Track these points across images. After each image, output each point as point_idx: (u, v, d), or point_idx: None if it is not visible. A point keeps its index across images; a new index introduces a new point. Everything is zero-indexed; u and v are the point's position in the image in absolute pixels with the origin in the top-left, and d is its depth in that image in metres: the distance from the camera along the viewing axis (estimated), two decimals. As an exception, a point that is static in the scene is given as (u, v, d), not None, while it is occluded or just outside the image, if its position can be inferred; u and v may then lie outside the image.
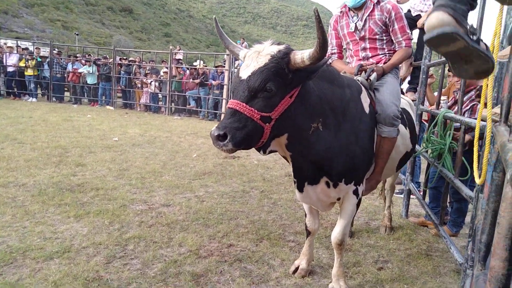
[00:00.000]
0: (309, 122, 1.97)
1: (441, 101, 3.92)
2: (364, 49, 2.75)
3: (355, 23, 2.69)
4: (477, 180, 1.70)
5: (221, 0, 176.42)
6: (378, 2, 2.64)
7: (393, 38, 2.72)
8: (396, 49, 2.74)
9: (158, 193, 4.28)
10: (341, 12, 2.80)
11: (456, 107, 3.21)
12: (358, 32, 2.71)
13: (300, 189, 2.26)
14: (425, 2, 4.66)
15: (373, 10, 2.64)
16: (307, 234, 2.74)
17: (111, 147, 6.52)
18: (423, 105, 4.07)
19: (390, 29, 2.68)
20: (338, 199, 2.36)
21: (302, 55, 1.77)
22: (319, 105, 1.99)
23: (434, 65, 3.83)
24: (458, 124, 3.01)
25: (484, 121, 2.45)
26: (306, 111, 1.93)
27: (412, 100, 3.99)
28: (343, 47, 2.94)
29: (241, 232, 3.35)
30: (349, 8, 2.74)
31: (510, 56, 1.49)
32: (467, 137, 3.28)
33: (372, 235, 3.51)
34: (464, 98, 3.51)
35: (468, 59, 1.24)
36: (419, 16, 4.64)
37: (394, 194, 3.99)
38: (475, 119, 3.01)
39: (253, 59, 1.82)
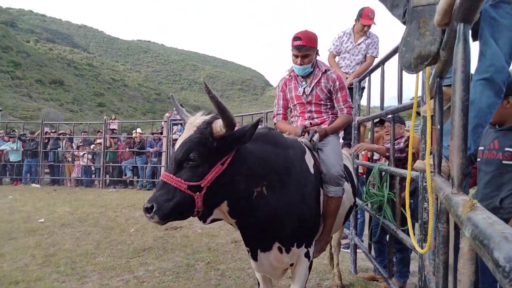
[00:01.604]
0: (251, 186, 1.94)
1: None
2: (310, 111, 2.86)
3: (304, 88, 2.80)
4: (418, 249, 1.70)
5: (157, 68, 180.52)
6: (325, 71, 2.78)
7: (335, 105, 2.86)
8: (338, 115, 2.87)
9: (91, 279, 3.81)
10: (289, 75, 2.91)
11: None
12: (305, 96, 2.82)
13: (255, 257, 2.16)
14: (352, 68, 5.10)
15: (320, 78, 2.77)
16: (261, 304, 2.54)
17: (36, 230, 5.84)
18: (358, 159, 4.23)
19: (334, 97, 2.82)
20: (291, 264, 2.28)
21: (219, 124, 1.81)
22: (261, 168, 1.98)
23: (364, 121, 4.07)
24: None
25: (417, 171, 2.56)
26: (245, 176, 1.90)
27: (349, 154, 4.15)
28: (289, 108, 3.03)
29: (188, 313, 3.03)
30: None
31: (434, 110, 1.59)
32: (403, 193, 3.43)
33: (326, 298, 3.36)
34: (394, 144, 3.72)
35: (426, 29, 1.30)
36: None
37: (341, 249, 3.95)
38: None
39: (186, 130, 1.89)
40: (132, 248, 4.87)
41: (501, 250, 0.47)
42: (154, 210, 1.70)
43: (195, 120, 1.90)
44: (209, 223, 1.96)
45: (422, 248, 2.19)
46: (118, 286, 3.60)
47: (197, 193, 1.76)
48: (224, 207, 1.93)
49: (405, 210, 3.08)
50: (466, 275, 0.83)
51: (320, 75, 2.78)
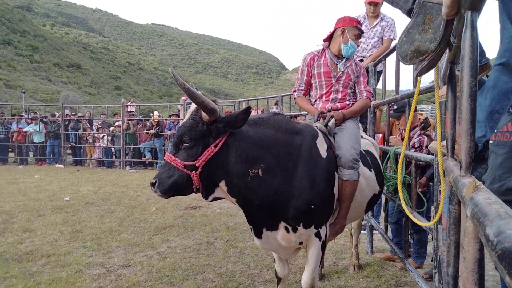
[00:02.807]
0: (245, 168, 2.05)
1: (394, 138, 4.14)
2: (337, 91, 2.86)
3: (338, 64, 2.86)
4: (421, 223, 1.78)
5: (171, 52, 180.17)
6: (354, 60, 2.97)
7: (356, 88, 2.93)
8: (357, 99, 2.92)
9: (117, 254, 4.03)
10: (319, 51, 2.94)
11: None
12: (335, 73, 2.84)
13: (258, 235, 2.27)
14: (368, 51, 5.07)
15: (351, 62, 2.91)
16: (277, 281, 2.67)
17: (62, 208, 6.13)
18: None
19: (357, 80, 2.92)
20: (301, 243, 2.35)
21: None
22: (257, 152, 2.09)
23: (379, 104, 4.09)
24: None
25: (432, 154, 2.62)
26: (238, 158, 2.04)
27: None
28: (311, 86, 3.01)
29: (209, 287, 3.20)
30: (331, 53, 2.88)
31: (447, 96, 1.63)
32: (423, 179, 3.49)
33: (341, 276, 3.49)
34: (411, 134, 3.75)
35: (429, 26, 1.36)
36: (361, 61, 5.01)
37: (358, 231, 4.05)
38: (424, 153, 3.20)
39: (186, 115, 2.13)
40: (154, 226, 5.09)
41: (492, 227, 0.52)
42: (156, 185, 1.99)
43: (193, 106, 2.08)
44: (211, 201, 2.14)
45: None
46: (142, 261, 3.79)
47: (193, 172, 1.97)
48: (223, 186, 2.08)
49: (420, 192, 3.18)
50: (470, 252, 0.90)
51: (352, 61, 2.92)
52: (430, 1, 1.37)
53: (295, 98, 3.05)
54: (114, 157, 13.12)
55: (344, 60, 2.86)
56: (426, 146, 3.54)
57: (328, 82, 2.86)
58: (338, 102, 2.87)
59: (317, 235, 2.33)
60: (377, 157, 3.19)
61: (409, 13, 1.58)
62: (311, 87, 2.97)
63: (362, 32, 2.90)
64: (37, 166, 12.91)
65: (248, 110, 2.01)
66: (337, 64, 2.85)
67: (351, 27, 2.80)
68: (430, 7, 1.37)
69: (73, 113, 14.70)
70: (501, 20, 1.63)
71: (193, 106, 2.08)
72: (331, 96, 2.86)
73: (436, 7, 1.35)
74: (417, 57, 1.43)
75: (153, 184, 2.01)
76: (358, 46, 2.87)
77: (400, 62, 3.38)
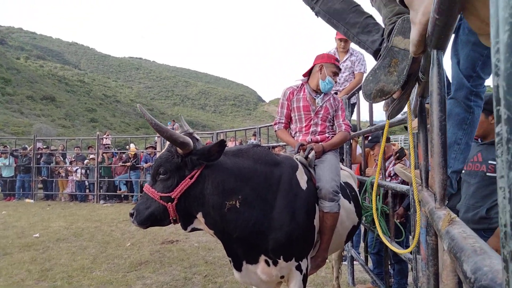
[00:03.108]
0: (221, 199, 2.05)
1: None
2: (316, 124, 2.91)
3: (316, 99, 2.93)
4: (397, 250, 1.79)
5: (149, 84, 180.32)
6: (332, 94, 3.05)
7: (335, 122, 3.00)
8: (336, 132, 2.98)
9: (89, 294, 3.83)
10: (298, 86, 3.02)
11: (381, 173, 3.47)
12: (314, 107, 2.91)
13: (238, 268, 2.24)
14: (340, 85, 5.24)
15: (330, 97, 3.00)
16: (258, 319, 2.58)
17: (31, 245, 5.83)
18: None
19: (335, 114, 3.00)
20: (282, 277, 2.31)
21: None
22: (234, 184, 2.09)
23: (355, 136, 4.19)
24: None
25: (407, 183, 2.67)
26: (215, 190, 2.04)
27: None
28: (291, 119, 3.09)
29: (186, 327, 3.06)
30: (310, 87, 2.97)
31: (418, 128, 1.70)
32: (400, 209, 3.54)
33: (322, 310, 3.42)
34: (387, 163, 3.84)
35: (394, 69, 1.43)
36: (336, 93, 5.17)
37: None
38: (399, 183, 3.27)
39: (165, 147, 2.17)
40: (129, 262, 4.89)
41: (469, 263, 0.52)
42: (134, 215, 2.04)
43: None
44: (190, 231, 2.15)
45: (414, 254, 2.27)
46: (116, 302, 3.62)
47: (169, 203, 2.00)
48: (201, 218, 2.08)
49: (399, 222, 3.21)
50: (449, 286, 0.91)
51: (330, 95, 3.00)
52: (397, 46, 1.45)
53: (275, 130, 3.10)
54: (87, 190, 12.72)
55: (322, 95, 2.95)
56: None
57: (307, 116, 2.92)
58: (318, 135, 2.92)
59: (298, 268, 2.30)
60: (356, 188, 3.23)
61: (375, 53, 1.67)
62: (291, 120, 3.03)
63: (340, 70, 3.02)
64: (5, 201, 12.33)
65: (222, 143, 2.02)
66: (315, 99, 2.93)
67: (329, 64, 2.90)
68: (397, 51, 1.46)
69: (45, 146, 14.29)
70: (450, 57, 1.75)
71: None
72: (311, 129, 2.92)
73: (402, 52, 1.45)
74: (381, 97, 1.52)
75: (131, 215, 2.06)
76: (335, 82, 2.97)
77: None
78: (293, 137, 2.98)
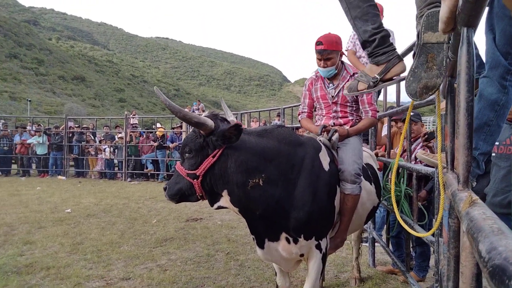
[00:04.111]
0: (245, 177, 2.09)
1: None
2: (336, 111, 2.92)
3: (329, 89, 2.91)
4: (415, 233, 1.76)
5: (175, 64, 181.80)
6: (353, 74, 2.84)
7: (360, 107, 2.93)
8: (363, 117, 2.92)
9: (117, 266, 4.00)
10: (316, 76, 3.00)
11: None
12: (331, 97, 2.90)
13: (261, 245, 2.29)
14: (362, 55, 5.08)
15: (348, 81, 2.82)
16: (278, 294, 2.64)
17: (63, 220, 6.12)
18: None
19: (359, 99, 2.89)
20: (302, 255, 2.35)
21: None
22: (257, 162, 2.13)
23: (381, 117, 4.09)
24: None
25: (432, 166, 2.61)
26: (238, 168, 2.09)
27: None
28: (315, 107, 3.11)
29: (209, 301, 3.17)
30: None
31: (446, 109, 1.64)
32: (423, 192, 3.46)
33: (343, 290, 3.44)
34: (413, 146, 3.74)
35: (433, 64, 1.43)
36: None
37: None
38: (425, 165, 3.19)
39: None
40: (155, 238, 5.06)
41: (485, 243, 0.51)
42: (166, 190, 2.20)
43: None
44: (217, 208, 2.21)
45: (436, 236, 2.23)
46: (142, 274, 3.77)
47: (195, 180, 2.10)
48: (226, 196, 2.14)
49: (422, 205, 3.16)
50: (468, 267, 0.89)
51: (348, 77, 2.86)
52: (429, 42, 1.44)
53: (299, 120, 3.14)
54: (116, 169, 13.13)
55: (335, 83, 2.89)
56: None
57: (326, 104, 2.95)
58: (341, 119, 2.92)
59: (318, 247, 2.33)
60: (376, 169, 3.21)
61: (363, 44, 1.81)
62: (315, 109, 3.09)
63: (324, 51, 2.73)
64: (40, 178, 12.94)
65: (237, 126, 2.05)
66: (327, 88, 2.92)
67: (315, 51, 2.79)
68: (430, 47, 1.45)
69: (77, 125, 14.79)
70: (485, 32, 1.66)
71: None
72: (331, 115, 2.94)
73: (436, 46, 1.43)
74: (427, 93, 1.52)
75: (164, 189, 2.23)
76: (326, 67, 2.78)
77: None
78: (316, 122, 3.03)
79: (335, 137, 2.63)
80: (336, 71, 2.84)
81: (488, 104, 1.62)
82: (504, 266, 0.40)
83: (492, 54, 1.60)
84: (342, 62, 2.89)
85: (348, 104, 2.90)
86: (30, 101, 34.23)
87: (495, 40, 1.59)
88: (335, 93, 2.88)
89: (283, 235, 2.25)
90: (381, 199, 3.70)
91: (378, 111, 3.00)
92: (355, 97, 2.85)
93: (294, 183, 2.21)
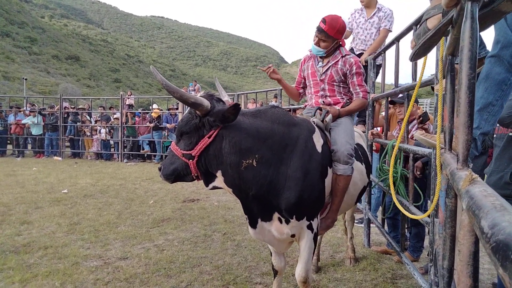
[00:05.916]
0: (239, 158, 2.09)
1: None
2: (323, 89, 2.96)
3: (318, 67, 2.96)
4: (411, 215, 1.77)
5: (171, 44, 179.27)
6: (344, 56, 2.87)
7: (351, 89, 2.92)
8: (354, 98, 2.92)
9: (114, 246, 4.03)
10: (310, 54, 3.05)
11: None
12: (319, 74, 2.94)
13: (253, 225, 2.32)
14: (366, 43, 5.03)
15: (338, 61, 2.88)
16: (274, 274, 2.68)
17: (60, 200, 6.12)
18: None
19: (349, 81, 2.90)
20: (293, 235, 2.36)
21: None
22: (251, 143, 2.12)
23: (378, 98, 4.07)
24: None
25: (429, 147, 2.61)
26: (232, 148, 2.09)
27: (362, 132, 4.17)
28: (306, 85, 3.17)
29: (206, 279, 3.21)
30: None
31: (445, 88, 1.62)
32: (419, 163, 3.46)
33: (338, 269, 3.50)
34: (410, 127, 3.74)
35: (428, 14, 1.43)
36: (361, 54, 4.98)
37: (354, 224, 4.06)
38: (423, 147, 3.20)
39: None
40: (152, 219, 5.09)
41: (487, 219, 0.51)
42: (161, 170, 2.22)
43: None
44: (211, 189, 2.23)
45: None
46: (140, 253, 3.80)
47: (190, 160, 2.12)
48: (220, 176, 2.16)
49: (417, 186, 3.18)
50: (465, 245, 0.89)
51: (339, 58, 2.88)
52: (427, 26, 1.40)
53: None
54: (112, 149, 13.10)
55: (325, 61, 2.93)
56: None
57: (315, 82, 3.01)
58: (329, 98, 2.95)
59: (309, 227, 2.35)
60: (366, 149, 3.28)
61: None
62: (306, 86, 3.15)
63: (323, 32, 2.76)
64: (35, 158, 12.90)
65: (236, 106, 2.03)
66: (316, 66, 2.97)
67: (317, 26, 2.83)
68: (425, 25, 1.42)
69: (72, 106, 14.65)
70: None
71: None
72: (319, 93, 2.99)
73: (431, 11, 1.39)
74: (426, 33, 1.47)
75: (159, 169, 2.25)
76: (318, 46, 2.83)
77: (399, 57, 3.38)
78: (308, 104, 3.11)
79: (328, 118, 2.62)
80: (325, 55, 2.90)
81: (495, 83, 1.60)
82: (509, 240, 0.40)
83: (504, 33, 1.57)
84: (340, 48, 2.90)
85: (335, 83, 2.91)
86: (26, 79, 33.70)
87: (507, 20, 1.57)
88: (323, 71, 2.92)
89: (276, 215, 2.27)
90: (377, 180, 3.73)
91: (369, 92, 3.01)
92: (343, 77, 2.89)
93: (286, 163, 2.21)
